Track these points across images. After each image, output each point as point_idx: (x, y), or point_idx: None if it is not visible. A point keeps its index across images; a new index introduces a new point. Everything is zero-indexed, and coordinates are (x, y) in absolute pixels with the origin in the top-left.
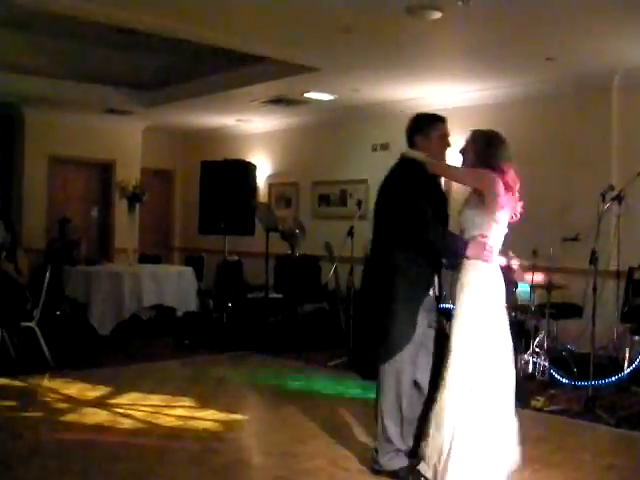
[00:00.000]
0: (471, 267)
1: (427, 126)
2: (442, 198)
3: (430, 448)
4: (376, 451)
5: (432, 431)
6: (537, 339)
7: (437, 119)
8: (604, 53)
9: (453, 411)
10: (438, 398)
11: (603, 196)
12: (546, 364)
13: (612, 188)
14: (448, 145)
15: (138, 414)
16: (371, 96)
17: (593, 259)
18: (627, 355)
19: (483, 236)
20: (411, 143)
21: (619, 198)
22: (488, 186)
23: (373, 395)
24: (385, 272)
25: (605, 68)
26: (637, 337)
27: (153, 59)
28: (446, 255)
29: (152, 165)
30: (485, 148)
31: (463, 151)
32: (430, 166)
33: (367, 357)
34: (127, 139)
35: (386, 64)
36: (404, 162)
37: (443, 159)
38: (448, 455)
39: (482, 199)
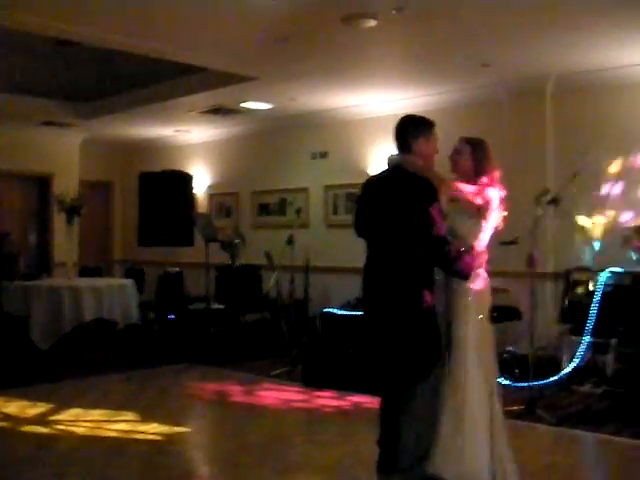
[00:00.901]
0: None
1: (429, 130)
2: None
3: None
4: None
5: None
6: None
7: (431, 124)
8: (538, 59)
9: (478, 416)
10: (453, 405)
11: (538, 199)
12: None
13: (547, 191)
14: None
15: (80, 430)
16: (309, 104)
17: (530, 262)
18: (566, 355)
19: (480, 246)
20: (406, 148)
21: (555, 201)
22: (492, 203)
23: (317, 403)
24: (410, 283)
25: (539, 74)
26: (576, 337)
27: (90, 70)
28: (456, 275)
29: (91, 177)
30: (483, 157)
31: (457, 157)
32: (446, 187)
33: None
34: (65, 151)
35: (323, 73)
36: (409, 178)
37: (433, 166)
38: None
39: (480, 212)
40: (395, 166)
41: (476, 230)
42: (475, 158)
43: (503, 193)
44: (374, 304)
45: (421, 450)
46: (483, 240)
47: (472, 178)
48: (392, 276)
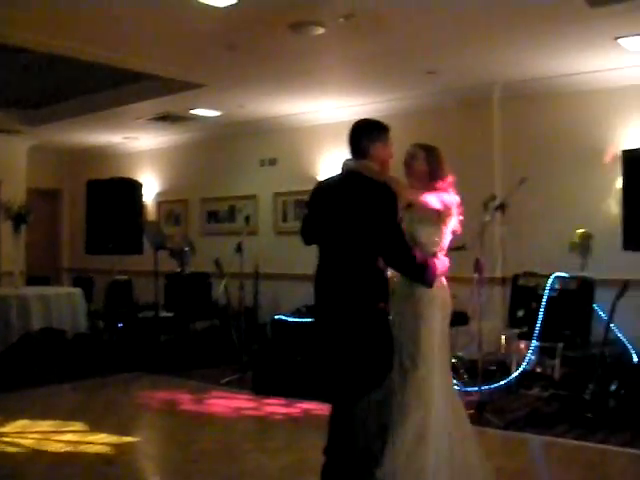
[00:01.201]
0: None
1: (385, 134)
2: None
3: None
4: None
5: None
6: None
7: (386, 129)
8: (484, 67)
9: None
10: (418, 413)
11: (485, 205)
12: None
13: (494, 197)
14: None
15: (26, 442)
16: (257, 112)
17: (477, 267)
18: (514, 359)
19: (442, 252)
20: (362, 152)
21: (502, 207)
22: (451, 208)
23: (267, 410)
24: (365, 291)
25: (486, 81)
26: (523, 342)
27: (38, 77)
28: (419, 281)
29: (38, 185)
30: (437, 162)
31: (412, 161)
32: (406, 192)
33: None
34: (12, 158)
35: (271, 80)
36: (367, 183)
37: (389, 171)
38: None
39: (440, 218)
40: (350, 171)
41: (437, 236)
42: (429, 163)
43: (458, 198)
44: (327, 312)
45: (370, 458)
46: (444, 246)
47: (426, 183)
48: (346, 284)
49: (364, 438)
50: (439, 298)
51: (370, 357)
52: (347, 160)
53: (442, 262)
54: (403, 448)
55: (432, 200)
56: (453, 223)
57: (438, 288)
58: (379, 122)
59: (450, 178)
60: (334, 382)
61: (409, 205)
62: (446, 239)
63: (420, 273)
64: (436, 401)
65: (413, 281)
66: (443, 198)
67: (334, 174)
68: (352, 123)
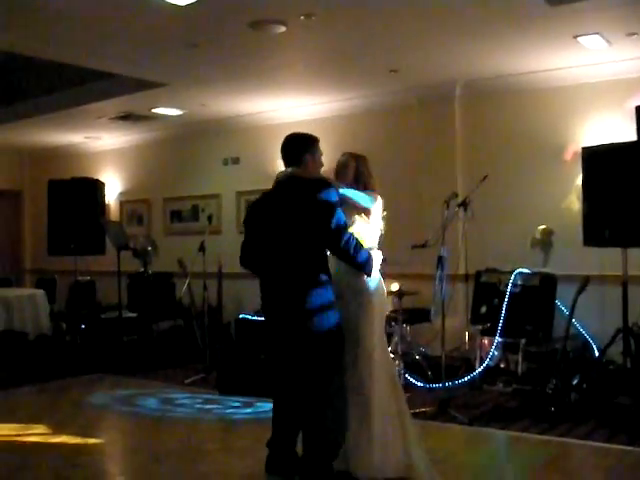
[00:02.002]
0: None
1: (314, 146)
2: None
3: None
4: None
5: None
6: (391, 344)
7: (318, 140)
8: (445, 65)
9: (385, 409)
10: (359, 399)
11: (447, 203)
12: (401, 369)
13: (456, 195)
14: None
15: None
16: (220, 110)
17: (439, 264)
18: (478, 355)
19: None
20: (297, 161)
21: (464, 204)
22: (379, 206)
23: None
24: (313, 280)
25: (447, 79)
26: (486, 337)
27: None
28: (362, 268)
29: None
30: (365, 170)
31: (343, 170)
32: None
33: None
34: None
35: (233, 78)
36: (307, 181)
37: None
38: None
39: (368, 216)
40: (288, 177)
41: (372, 236)
42: (358, 172)
43: (381, 200)
44: (280, 305)
45: (334, 447)
46: (374, 241)
47: (357, 189)
48: (300, 283)
49: (327, 426)
50: (378, 288)
51: (325, 345)
52: (282, 171)
53: (377, 254)
54: (352, 429)
55: (360, 196)
56: (378, 222)
57: (376, 278)
58: (311, 136)
59: (377, 187)
60: (291, 375)
61: (365, 211)
62: (374, 235)
63: (358, 257)
64: (378, 376)
65: (357, 269)
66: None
67: (266, 191)
68: (312, 122)
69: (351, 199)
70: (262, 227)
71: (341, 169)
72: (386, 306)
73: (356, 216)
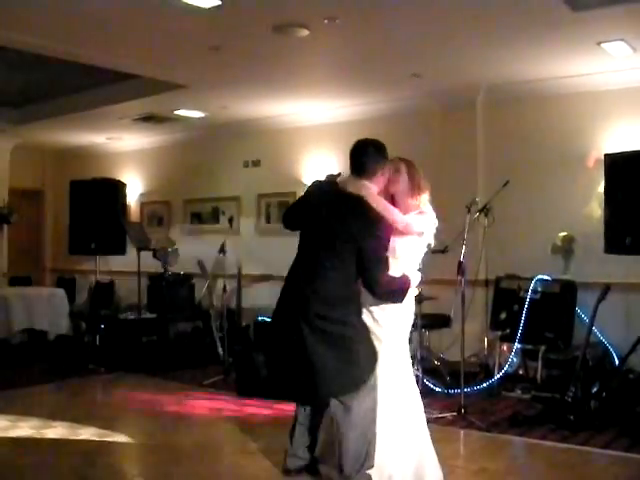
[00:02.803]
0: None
1: (387, 159)
2: None
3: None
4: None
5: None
6: (410, 350)
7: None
8: (468, 69)
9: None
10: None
11: (468, 208)
12: (419, 374)
13: (477, 201)
14: None
15: (7, 442)
16: (241, 113)
17: (460, 270)
18: (497, 361)
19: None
20: (369, 172)
21: (485, 210)
22: (431, 223)
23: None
24: (348, 297)
25: (469, 85)
26: (506, 344)
27: (21, 76)
28: (390, 299)
29: (21, 185)
30: (418, 175)
31: (394, 177)
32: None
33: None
34: None
35: (255, 81)
36: (368, 210)
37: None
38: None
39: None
40: (354, 194)
41: (415, 251)
42: (411, 176)
43: (434, 215)
44: (305, 312)
45: (364, 457)
46: (418, 260)
47: (407, 196)
48: (330, 282)
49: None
50: (406, 307)
51: (359, 354)
52: (349, 178)
53: (416, 276)
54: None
55: (415, 222)
56: (430, 240)
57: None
58: (385, 146)
59: (428, 190)
60: (320, 383)
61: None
62: (421, 254)
63: (394, 299)
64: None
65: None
66: (422, 219)
67: (330, 184)
68: (334, 125)
69: (407, 226)
70: (310, 223)
71: (393, 176)
72: (409, 321)
73: (407, 241)
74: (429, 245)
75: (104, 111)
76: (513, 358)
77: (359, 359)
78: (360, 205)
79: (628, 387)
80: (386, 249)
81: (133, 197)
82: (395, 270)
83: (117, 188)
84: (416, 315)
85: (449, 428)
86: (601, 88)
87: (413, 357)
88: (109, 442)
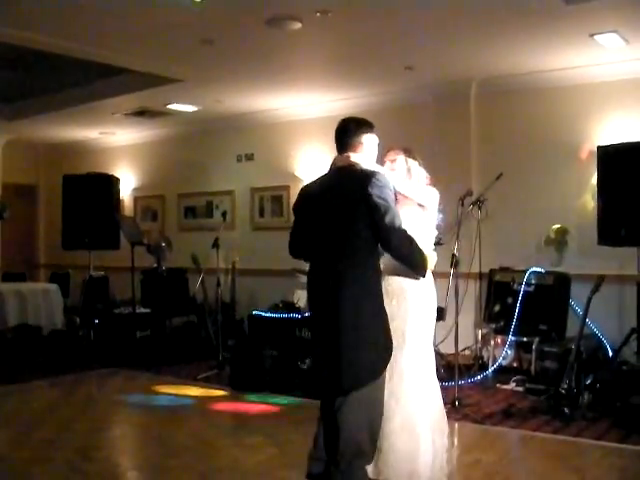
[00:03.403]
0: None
1: (372, 132)
2: None
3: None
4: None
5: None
6: None
7: (374, 127)
8: (461, 62)
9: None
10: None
11: (462, 201)
12: None
13: (470, 193)
14: None
15: (3, 437)
16: (235, 107)
17: (453, 263)
18: (491, 354)
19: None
20: (352, 146)
21: (479, 203)
22: (435, 200)
23: (243, 406)
24: (366, 281)
25: (462, 77)
26: (500, 336)
27: (13, 71)
28: (415, 268)
29: (14, 180)
30: (419, 164)
31: (393, 167)
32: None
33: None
34: None
35: (248, 75)
36: (363, 172)
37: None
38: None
39: (428, 213)
40: (345, 165)
41: (423, 229)
42: (409, 164)
43: (437, 193)
44: (329, 306)
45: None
46: (430, 240)
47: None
48: (351, 281)
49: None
50: (428, 291)
51: (373, 347)
52: (337, 157)
53: (432, 255)
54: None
55: (415, 191)
56: (435, 217)
57: (427, 281)
58: (367, 119)
59: (427, 178)
60: (333, 374)
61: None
62: (432, 233)
63: (421, 260)
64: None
65: (411, 268)
66: (427, 193)
67: (320, 175)
68: (328, 119)
69: (406, 195)
70: (312, 217)
71: (392, 164)
72: (432, 311)
73: (410, 213)
74: (438, 227)
75: (97, 106)
76: (507, 350)
77: (377, 349)
78: (350, 170)
79: (621, 379)
80: (393, 199)
81: (126, 192)
82: None
83: (110, 183)
84: None
85: None
86: (594, 80)
87: None
88: (104, 437)
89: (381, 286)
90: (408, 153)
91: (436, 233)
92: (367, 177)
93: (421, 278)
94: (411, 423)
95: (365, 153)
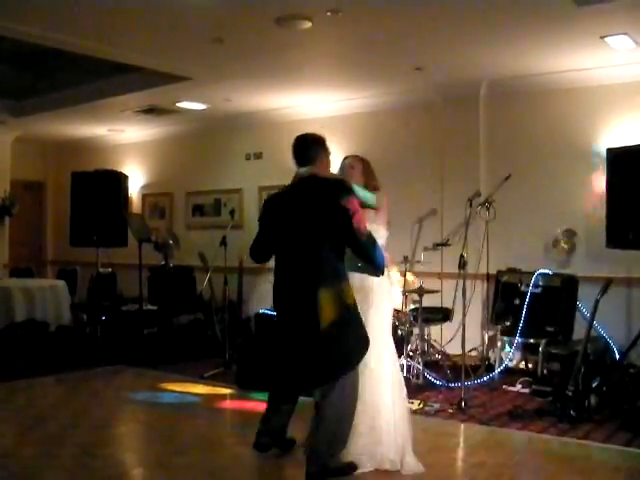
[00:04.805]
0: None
1: (326, 147)
2: None
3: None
4: (317, 453)
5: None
6: (411, 343)
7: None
8: (471, 63)
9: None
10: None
11: (470, 202)
12: (420, 367)
13: (479, 194)
14: None
15: (9, 433)
16: (244, 105)
17: (461, 263)
18: (498, 355)
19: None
20: (312, 160)
21: (487, 204)
22: (385, 203)
23: (249, 404)
24: (333, 279)
25: (472, 78)
26: (507, 338)
27: (24, 68)
28: (377, 267)
29: (23, 177)
30: (370, 170)
31: (351, 171)
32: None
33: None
34: None
35: (258, 74)
36: (328, 181)
37: None
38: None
39: (379, 215)
40: (310, 176)
41: (382, 234)
42: (365, 173)
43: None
44: (296, 303)
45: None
46: (382, 241)
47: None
48: (316, 275)
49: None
50: (387, 287)
51: (347, 342)
52: (299, 170)
53: (386, 256)
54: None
55: (369, 196)
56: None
57: (386, 278)
58: (321, 135)
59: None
60: (308, 370)
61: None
62: (384, 235)
63: (382, 260)
64: (385, 375)
65: (371, 267)
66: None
67: (283, 187)
68: (337, 118)
69: (361, 198)
70: (280, 224)
71: (349, 170)
72: (391, 305)
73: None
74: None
75: (106, 103)
76: (514, 352)
77: (355, 343)
78: (314, 180)
79: (628, 381)
80: (355, 206)
81: (135, 189)
82: None
83: (119, 180)
84: (417, 308)
85: (449, 421)
86: (604, 82)
87: (414, 350)
88: (110, 434)
89: (349, 283)
90: (363, 161)
91: (386, 234)
92: (335, 185)
93: (380, 275)
94: (373, 406)
95: (324, 165)
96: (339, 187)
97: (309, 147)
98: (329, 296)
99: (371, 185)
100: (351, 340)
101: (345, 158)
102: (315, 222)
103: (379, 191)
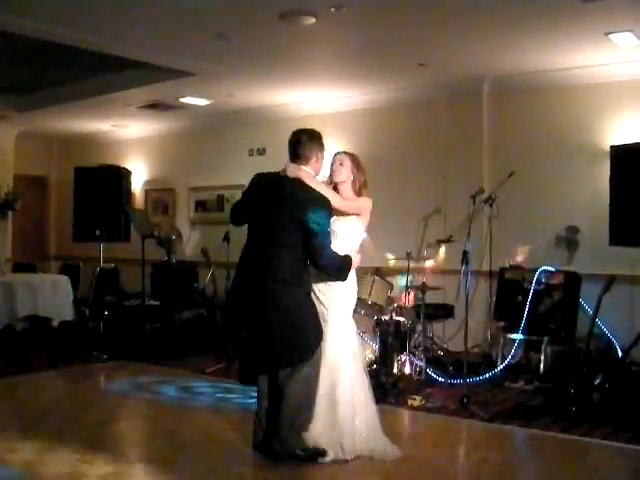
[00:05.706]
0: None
1: (323, 144)
2: None
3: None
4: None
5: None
6: (413, 339)
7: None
8: (474, 59)
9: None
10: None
11: (473, 198)
12: (423, 363)
13: (482, 191)
14: None
15: (10, 428)
16: (247, 101)
17: (464, 260)
18: (500, 352)
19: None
20: (304, 158)
21: (490, 200)
22: (367, 211)
23: (251, 400)
24: (297, 268)
25: (475, 75)
26: (509, 335)
27: (27, 63)
28: (336, 279)
29: (26, 172)
30: (360, 166)
31: (340, 167)
32: (336, 200)
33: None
34: None
35: (261, 69)
36: (309, 192)
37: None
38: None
39: (361, 219)
40: (295, 178)
41: (349, 232)
42: (354, 169)
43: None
44: (258, 288)
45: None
46: (355, 242)
47: (350, 187)
48: (276, 263)
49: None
50: (350, 286)
51: (306, 329)
52: (289, 164)
53: (355, 257)
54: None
55: (353, 205)
56: (365, 223)
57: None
58: (318, 131)
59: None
60: (270, 354)
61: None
62: (358, 236)
63: (343, 273)
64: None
65: (331, 279)
66: (361, 201)
67: (274, 172)
68: (341, 114)
69: (343, 208)
70: (255, 206)
71: (338, 166)
72: (352, 300)
73: (346, 220)
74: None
75: (110, 98)
76: (516, 349)
77: (310, 332)
78: (298, 185)
79: (631, 379)
80: (327, 224)
81: (138, 184)
82: (336, 249)
83: (122, 175)
84: (420, 305)
85: (452, 418)
86: (608, 79)
87: (417, 347)
88: (112, 428)
89: (309, 278)
90: (353, 158)
91: (365, 236)
92: (309, 200)
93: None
94: (332, 394)
95: (315, 165)
96: (318, 201)
97: (303, 145)
98: (287, 283)
99: (360, 183)
100: (305, 329)
101: (335, 154)
102: (284, 220)
103: (364, 197)
